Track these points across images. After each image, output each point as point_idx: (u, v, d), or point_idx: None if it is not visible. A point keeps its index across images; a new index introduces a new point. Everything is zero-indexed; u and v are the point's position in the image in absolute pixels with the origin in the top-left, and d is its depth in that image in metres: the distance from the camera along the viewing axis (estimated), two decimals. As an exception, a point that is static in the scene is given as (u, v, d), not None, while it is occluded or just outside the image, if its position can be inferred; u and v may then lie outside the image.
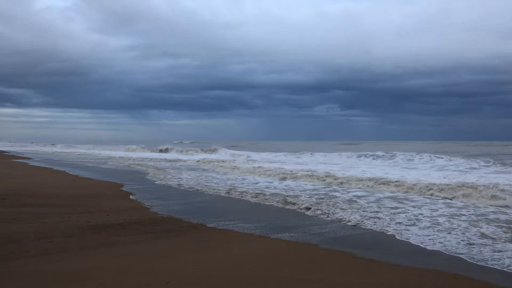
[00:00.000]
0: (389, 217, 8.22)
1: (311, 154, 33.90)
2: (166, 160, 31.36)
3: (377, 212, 8.82)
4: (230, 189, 12.59)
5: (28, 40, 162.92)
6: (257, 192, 12.08)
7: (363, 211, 8.87)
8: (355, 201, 10.39)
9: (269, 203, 10.27)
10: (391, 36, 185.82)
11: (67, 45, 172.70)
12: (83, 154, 42.11)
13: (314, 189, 12.85)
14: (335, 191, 12.50)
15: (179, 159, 32.08)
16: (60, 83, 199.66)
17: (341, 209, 9.22)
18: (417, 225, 7.49)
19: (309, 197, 10.97)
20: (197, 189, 12.86)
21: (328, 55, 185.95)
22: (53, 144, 75.84)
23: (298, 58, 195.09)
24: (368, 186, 13.33)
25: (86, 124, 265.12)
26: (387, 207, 9.48)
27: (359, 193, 11.93)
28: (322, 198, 10.81)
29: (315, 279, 4.64)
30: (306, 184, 14.31)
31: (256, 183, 14.86)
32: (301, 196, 11.24)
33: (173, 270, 4.82)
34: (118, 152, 47.27)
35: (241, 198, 11.17)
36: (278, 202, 10.35)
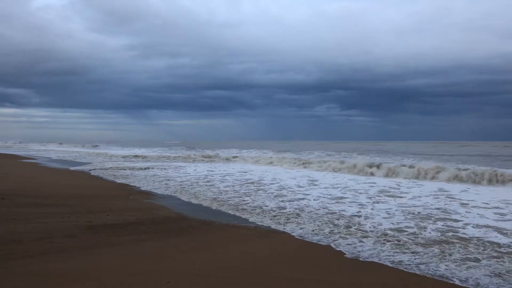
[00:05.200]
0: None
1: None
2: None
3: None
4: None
5: (26, 40, 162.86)
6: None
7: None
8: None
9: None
10: (391, 36, 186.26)
11: (66, 44, 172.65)
12: None
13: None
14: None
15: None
16: (59, 83, 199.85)
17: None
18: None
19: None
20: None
21: (328, 55, 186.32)
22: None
23: (298, 58, 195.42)
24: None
25: (85, 124, 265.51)
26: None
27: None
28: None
29: (314, 279, 4.65)
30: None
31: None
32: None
33: (173, 270, 4.82)
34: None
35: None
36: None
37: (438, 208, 9.24)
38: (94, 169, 21.14)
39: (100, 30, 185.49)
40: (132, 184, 14.24)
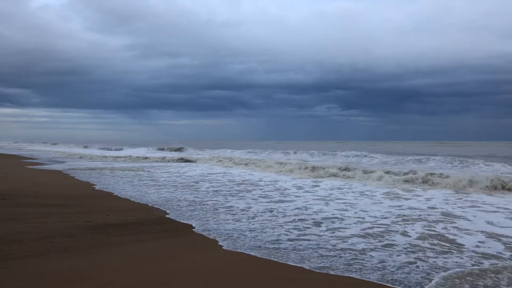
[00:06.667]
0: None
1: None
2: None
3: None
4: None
5: (25, 40, 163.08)
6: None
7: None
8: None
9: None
10: (391, 36, 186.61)
11: (65, 44, 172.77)
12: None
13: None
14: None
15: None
16: (59, 83, 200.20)
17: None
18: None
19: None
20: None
21: (328, 55, 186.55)
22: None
23: (298, 58, 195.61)
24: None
25: (85, 124, 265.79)
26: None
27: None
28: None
29: (313, 278, 4.65)
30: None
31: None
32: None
33: (173, 270, 4.82)
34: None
35: None
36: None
37: (442, 213, 8.60)
38: (71, 168, 21.33)
39: (100, 30, 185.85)
40: (92, 182, 14.25)
